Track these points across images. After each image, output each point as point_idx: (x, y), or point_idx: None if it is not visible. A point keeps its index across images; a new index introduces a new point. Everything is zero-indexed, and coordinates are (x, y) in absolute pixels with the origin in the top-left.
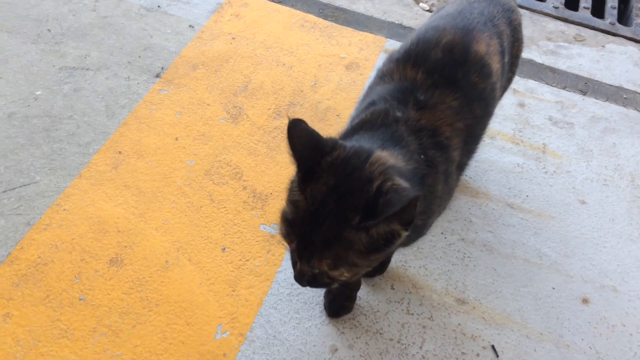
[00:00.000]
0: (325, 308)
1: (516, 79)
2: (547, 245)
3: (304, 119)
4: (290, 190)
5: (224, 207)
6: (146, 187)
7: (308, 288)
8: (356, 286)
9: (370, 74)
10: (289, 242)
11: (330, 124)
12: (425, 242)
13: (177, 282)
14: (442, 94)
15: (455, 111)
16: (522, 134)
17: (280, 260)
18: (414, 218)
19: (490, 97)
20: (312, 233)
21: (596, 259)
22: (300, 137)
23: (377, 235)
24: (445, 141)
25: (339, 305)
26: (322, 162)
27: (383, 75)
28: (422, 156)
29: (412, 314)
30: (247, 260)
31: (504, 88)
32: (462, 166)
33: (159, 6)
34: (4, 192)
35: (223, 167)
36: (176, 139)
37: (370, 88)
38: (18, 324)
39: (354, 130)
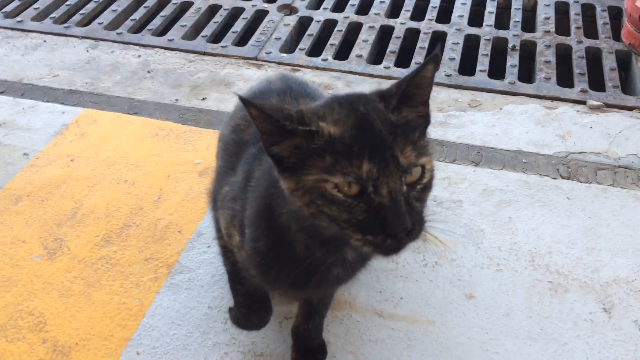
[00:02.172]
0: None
1: None
2: None
3: (136, 244)
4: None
5: None
6: None
7: None
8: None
9: None
10: (358, 167)
11: (169, 243)
12: None
13: None
14: None
15: None
16: None
17: None
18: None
19: None
20: (373, 135)
21: None
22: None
23: (408, 114)
24: None
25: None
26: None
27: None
28: None
29: None
30: None
31: None
32: None
33: None
34: None
35: (23, 318)
36: None
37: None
38: None
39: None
